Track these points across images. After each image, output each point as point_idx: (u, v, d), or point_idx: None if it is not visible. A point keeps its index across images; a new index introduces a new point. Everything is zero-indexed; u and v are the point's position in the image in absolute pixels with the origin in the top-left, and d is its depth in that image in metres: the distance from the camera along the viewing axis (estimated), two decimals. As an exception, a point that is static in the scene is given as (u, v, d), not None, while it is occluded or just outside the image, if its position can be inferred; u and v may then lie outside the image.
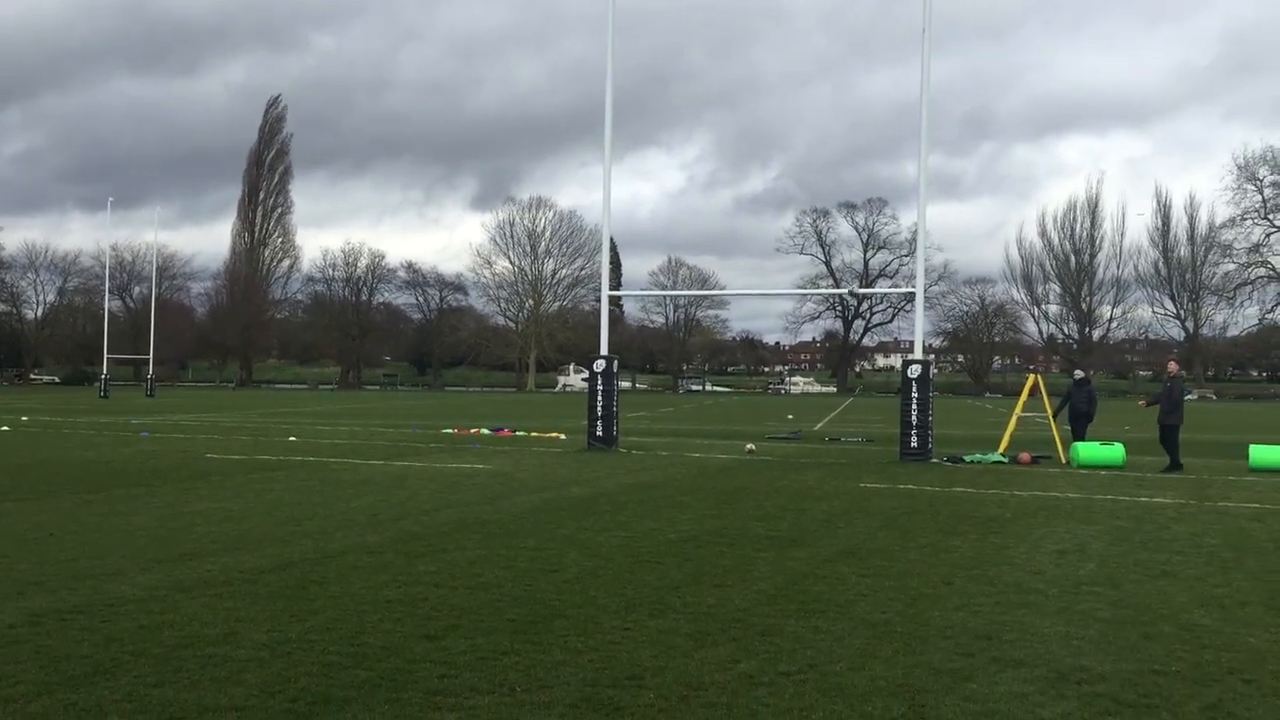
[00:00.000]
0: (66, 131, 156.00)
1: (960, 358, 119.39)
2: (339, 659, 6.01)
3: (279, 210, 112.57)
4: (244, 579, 8.26)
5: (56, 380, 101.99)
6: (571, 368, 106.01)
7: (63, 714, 5.02)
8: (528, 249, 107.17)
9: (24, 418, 33.36)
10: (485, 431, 28.65)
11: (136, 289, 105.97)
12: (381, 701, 5.26)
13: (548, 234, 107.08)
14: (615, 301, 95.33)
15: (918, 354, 22.74)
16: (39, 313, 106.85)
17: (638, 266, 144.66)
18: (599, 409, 23.22)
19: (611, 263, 28.80)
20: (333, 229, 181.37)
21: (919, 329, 23.40)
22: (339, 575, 8.47)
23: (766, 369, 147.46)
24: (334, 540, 10.24)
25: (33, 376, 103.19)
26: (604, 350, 24.14)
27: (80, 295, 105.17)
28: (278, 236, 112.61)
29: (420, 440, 25.49)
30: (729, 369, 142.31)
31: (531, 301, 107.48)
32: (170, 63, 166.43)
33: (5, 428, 28.06)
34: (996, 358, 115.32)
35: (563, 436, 26.79)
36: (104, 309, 76.31)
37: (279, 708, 5.15)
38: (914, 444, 21.34)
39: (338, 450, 21.85)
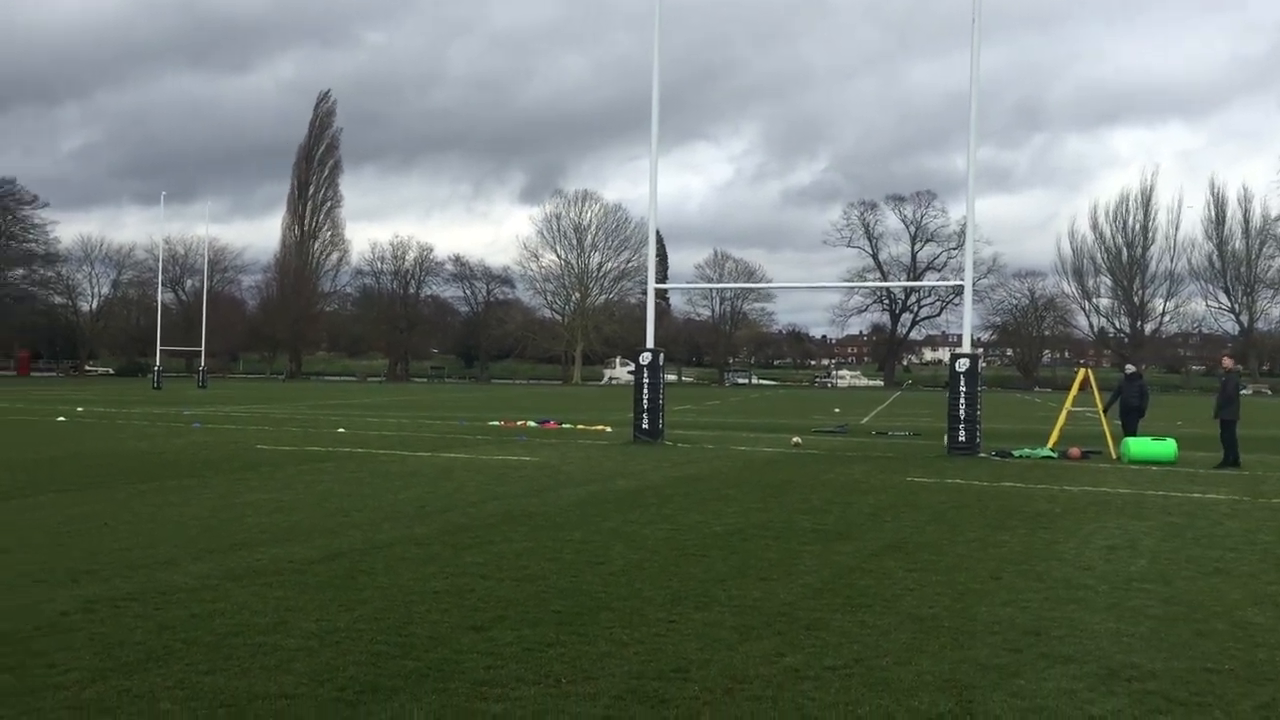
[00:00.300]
0: (122, 128, 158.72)
1: (1009, 351, 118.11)
2: (387, 649, 6.06)
3: (328, 204, 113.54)
4: (294, 569, 8.36)
5: (111, 372, 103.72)
6: (618, 361, 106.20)
7: (116, 700, 5.10)
8: (574, 242, 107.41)
9: (79, 409, 33.96)
10: (532, 424, 28.77)
11: (189, 282, 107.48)
12: (429, 691, 5.30)
13: (594, 227, 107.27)
14: (661, 295, 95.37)
15: (966, 348, 22.53)
16: (94, 305, 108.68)
17: (684, 260, 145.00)
18: (645, 402, 23.24)
19: (658, 256, 28.72)
20: (382, 223, 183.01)
21: (967, 322, 23.18)
22: (387, 566, 8.54)
23: (813, 362, 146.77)
24: (382, 531, 10.34)
25: (88, 368, 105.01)
26: (650, 343, 24.14)
27: (134, 288, 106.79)
28: (327, 230, 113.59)
29: (467, 432, 25.64)
30: (775, 362, 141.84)
31: (578, 294, 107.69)
32: (223, 59, 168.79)
33: (62, 418, 28.58)
34: (1046, 352, 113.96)
35: (609, 429, 26.84)
36: (157, 302, 77.44)
37: (328, 696, 5.21)
38: (962, 438, 21.16)
39: (386, 442, 22.04)
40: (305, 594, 7.47)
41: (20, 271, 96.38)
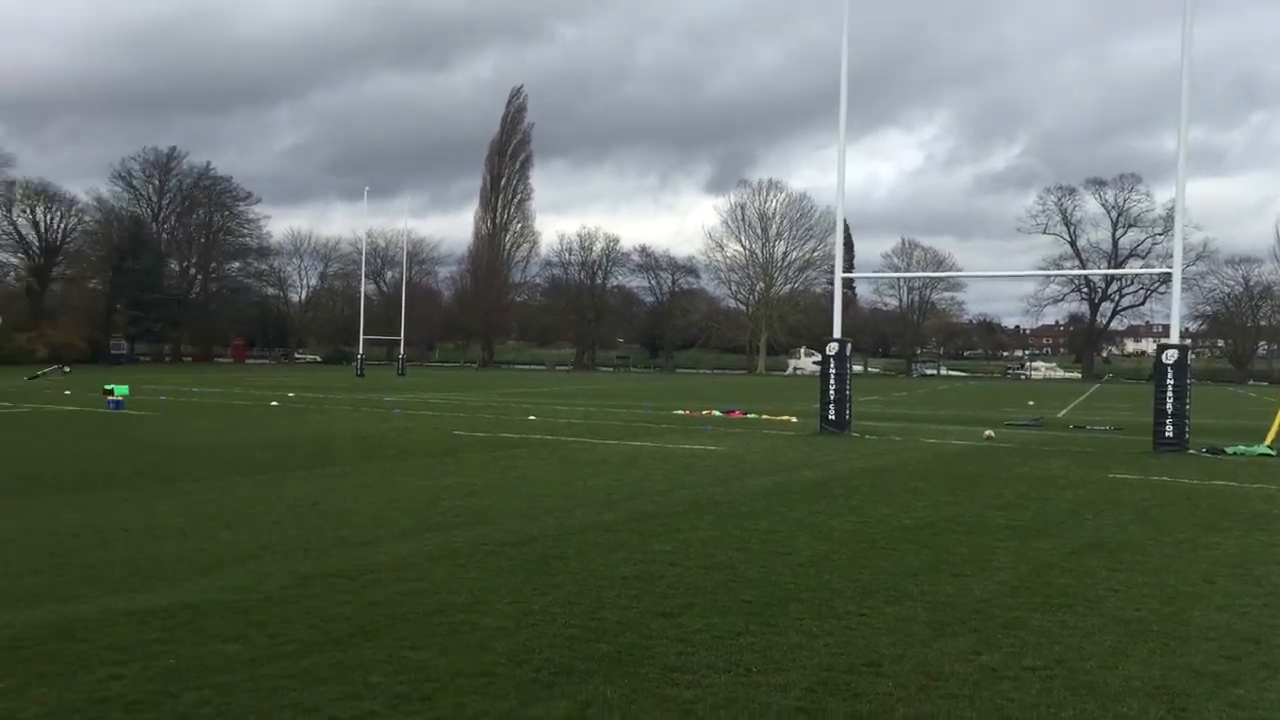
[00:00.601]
0: (330, 127, 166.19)
1: (1220, 343, 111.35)
2: (579, 632, 6.20)
3: (519, 197, 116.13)
4: (489, 551, 8.63)
5: (318, 359, 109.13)
6: (802, 351, 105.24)
7: (329, 672, 5.38)
8: (759, 231, 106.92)
9: (290, 394, 35.88)
10: (716, 413, 28.83)
11: (389, 274, 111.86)
12: (621, 675, 5.39)
13: (779, 216, 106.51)
14: (848, 284, 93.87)
15: (1174, 338, 21.38)
16: (303, 296, 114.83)
17: (871, 249, 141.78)
18: (831, 392, 22.98)
19: (844, 244, 28.31)
20: (571, 215, 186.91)
21: (1175, 312, 21.98)
22: (578, 551, 8.72)
23: (1005, 353, 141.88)
24: (573, 517, 10.56)
25: (297, 356, 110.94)
26: (837, 333, 23.84)
27: (339, 280, 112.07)
28: (518, 223, 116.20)
29: (652, 421, 25.90)
30: (965, 353, 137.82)
31: (762, 284, 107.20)
32: (425, 59, 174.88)
33: (275, 403, 30.28)
34: (1262, 343, 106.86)
35: (794, 420, 26.65)
36: (360, 293, 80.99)
37: (525, 676, 5.37)
38: (1169, 434, 20.11)
39: (574, 430, 22.48)
40: (501, 576, 7.70)
41: (236, 264, 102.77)
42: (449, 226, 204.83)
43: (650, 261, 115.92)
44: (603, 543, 9.15)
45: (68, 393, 33.14)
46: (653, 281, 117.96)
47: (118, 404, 26.08)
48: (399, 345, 74.63)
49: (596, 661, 5.62)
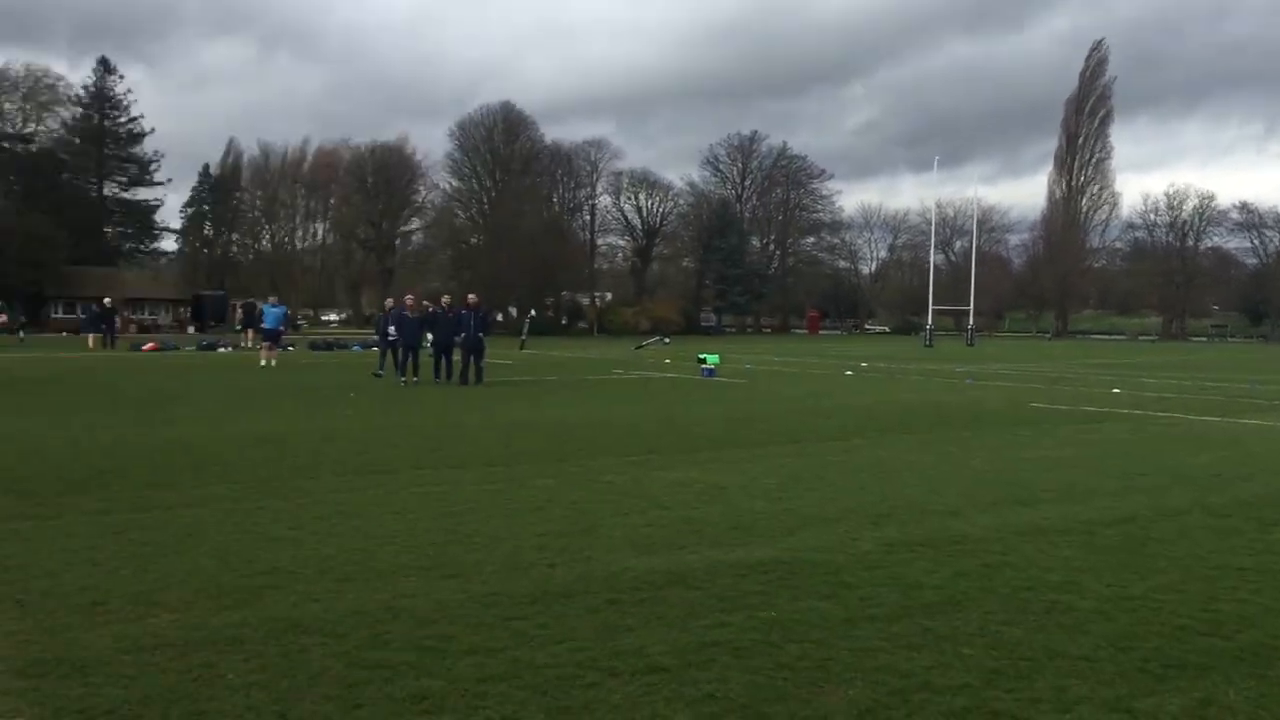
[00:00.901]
0: (899, 100, 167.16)
1: None
2: (1191, 623, 5.67)
3: (1097, 157, 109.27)
4: (1079, 529, 8.18)
5: (886, 330, 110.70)
6: None
7: (919, 639, 5.38)
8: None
9: (863, 364, 36.68)
10: (1342, 389, 25.09)
11: (958, 243, 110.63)
12: (1244, 675, 4.85)
13: None
14: None
15: None
16: (873, 268, 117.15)
17: None
18: None
19: None
20: (1155, 172, 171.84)
21: None
22: (1181, 535, 8.00)
23: None
24: (1170, 497, 9.71)
25: (867, 326, 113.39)
26: None
27: (907, 251, 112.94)
28: (1096, 184, 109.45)
29: (1260, 396, 23.10)
30: None
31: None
32: (998, 21, 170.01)
33: (849, 373, 31.12)
34: None
35: None
36: (929, 263, 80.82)
37: (1130, 664, 5.01)
38: None
39: (1164, 404, 20.68)
40: (1094, 556, 7.27)
41: (810, 239, 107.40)
42: (1019, 192, 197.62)
43: (1252, 219, 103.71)
44: (1209, 527, 8.32)
45: (668, 361, 36.51)
46: (1255, 241, 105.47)
47: (710, 372, 28.23)
48: (968, 315, 73.40)
49: (1214, 657, 5.11)
